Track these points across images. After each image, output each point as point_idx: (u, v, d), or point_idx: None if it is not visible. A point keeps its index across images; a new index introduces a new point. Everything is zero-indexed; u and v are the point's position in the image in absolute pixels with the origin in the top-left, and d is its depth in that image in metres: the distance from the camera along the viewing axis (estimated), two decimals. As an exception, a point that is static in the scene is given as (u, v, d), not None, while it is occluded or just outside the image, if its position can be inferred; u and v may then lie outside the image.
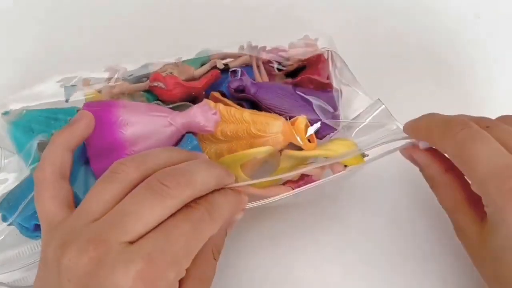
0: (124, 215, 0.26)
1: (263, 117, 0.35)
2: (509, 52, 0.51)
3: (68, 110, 0.40)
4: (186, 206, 0.27)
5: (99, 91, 0.40)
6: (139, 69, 0.40)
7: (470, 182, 0.31)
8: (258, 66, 0.39)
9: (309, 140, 0.35)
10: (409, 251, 0.39)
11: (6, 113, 0.43)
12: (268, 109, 0.36)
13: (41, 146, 0.39)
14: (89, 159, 0.34)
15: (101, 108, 0.35)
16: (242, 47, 0.41)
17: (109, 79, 0.39)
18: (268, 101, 0.37)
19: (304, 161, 0.36)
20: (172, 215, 0.27)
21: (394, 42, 0.51)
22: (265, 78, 0.38)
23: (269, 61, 0.39)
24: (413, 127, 0.34)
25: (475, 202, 0.32)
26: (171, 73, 0.37)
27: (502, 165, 0.29)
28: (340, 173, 0.35)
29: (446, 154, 0.34)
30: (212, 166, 0.29)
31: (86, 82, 0.40)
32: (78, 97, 0.40)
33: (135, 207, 0.26)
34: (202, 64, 0.38)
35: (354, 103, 0.39)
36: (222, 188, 0.30)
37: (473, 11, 0.54)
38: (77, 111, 0.38)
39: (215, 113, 0.34)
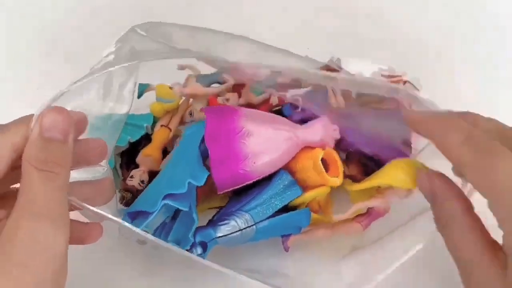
0: None
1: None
2: None
3: (144, 117, 0.40)
4: None
5: (171, 88, 0.40)
6: (212, 74, 0.39)
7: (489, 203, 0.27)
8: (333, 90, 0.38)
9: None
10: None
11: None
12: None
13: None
14: (210, 166, 0.33)
15: (223, 115, 0.34)
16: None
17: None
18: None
19: (369, 194, 0.36)
20: None
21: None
22: (342, 102, 0.37)
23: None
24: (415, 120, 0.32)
25: (496, 252, 0.27)
26: (227, 99, 0.39)
27: None
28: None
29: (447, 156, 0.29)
30: None
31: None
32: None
33: None
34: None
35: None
36: None
37: None
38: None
39: (335, 129, 0.35)
